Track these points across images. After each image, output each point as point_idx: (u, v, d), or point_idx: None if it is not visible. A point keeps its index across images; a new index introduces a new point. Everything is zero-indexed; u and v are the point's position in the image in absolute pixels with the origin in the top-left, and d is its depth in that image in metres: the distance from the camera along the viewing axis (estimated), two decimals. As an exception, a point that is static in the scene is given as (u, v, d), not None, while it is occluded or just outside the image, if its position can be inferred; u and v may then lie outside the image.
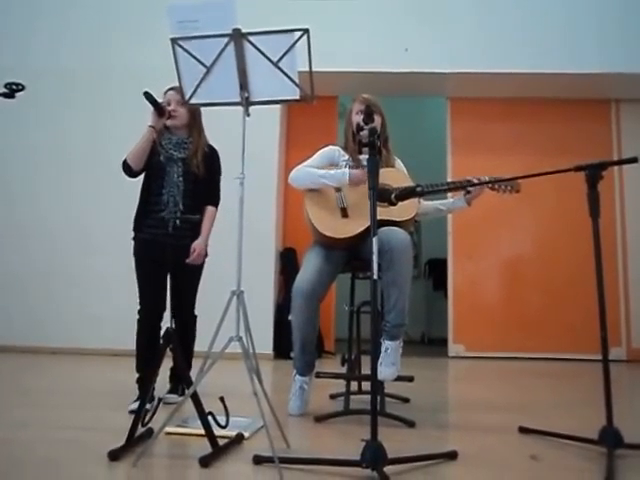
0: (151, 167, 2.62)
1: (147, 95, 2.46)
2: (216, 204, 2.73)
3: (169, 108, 2.60)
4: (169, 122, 2.63)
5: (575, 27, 4.65)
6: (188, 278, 2.65)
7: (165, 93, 2.67)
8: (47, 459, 1.82)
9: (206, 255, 2.68)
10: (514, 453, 1.99)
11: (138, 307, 2.59)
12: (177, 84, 2.38)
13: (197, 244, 2.61)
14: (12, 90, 1.96)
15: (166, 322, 2.42)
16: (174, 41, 1.94)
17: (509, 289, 5.10)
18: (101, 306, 4.49)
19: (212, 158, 2.72)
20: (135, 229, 2.64)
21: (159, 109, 2.53)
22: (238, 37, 1.89)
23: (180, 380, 2.60)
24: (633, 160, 1.94)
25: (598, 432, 1.86)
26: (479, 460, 1.89)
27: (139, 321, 2.58)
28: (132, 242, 2.64)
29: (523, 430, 2.20)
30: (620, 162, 2.03)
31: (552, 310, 4.95)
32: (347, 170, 2.47)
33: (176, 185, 2.58)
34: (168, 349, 1.91)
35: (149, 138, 2.56)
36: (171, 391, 2.67)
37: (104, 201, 4.58)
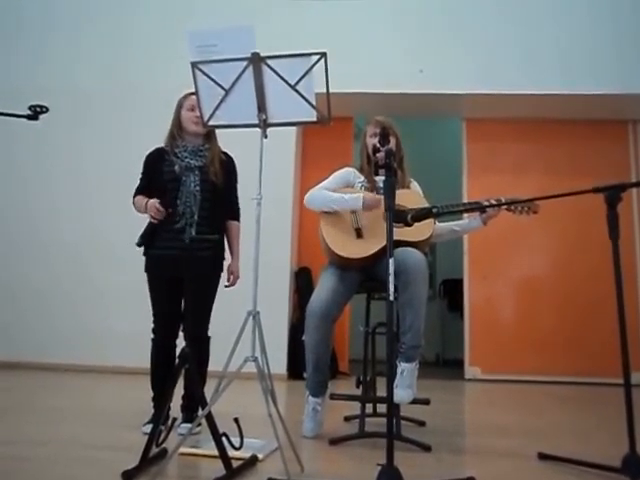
0: (163, 180, 2.48)
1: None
2: (238, 217, 2.65)
3: (194, 114, 2.44)
4: (193, 128, 2.52)
5: (592, 48, 4.65)
6: (203, 293, 2.50)
7: (185, 97, 2.56)
8: (62, 478, 1.82)
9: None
10: (533, 480, 1.94)
11: (152, 326, 2.54)
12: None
13: (234, 267, 2.58)
14: (36, 112, 2.00)
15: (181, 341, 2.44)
16: (194, 65, 1.98)
17: (526, 310, 5.03)
18: (122, 322, 4.49)
19: (230, 166, 2.62)
20: (146, 244, 2.51)
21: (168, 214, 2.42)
22: (257, 61, 1.93)
23: (193, 409, 2.50)
24: (653, 182, 1.93)
25: (621, 460, 1.81)
26: (497, 487, 1.85)
27: (153, 340, 2.53)
28: (143, 258, 2.54)
29: (542, 456, 2.15)
30: None
31: (571, 333, 4.86)
32: (361, 195, 2.45)
33: (193, 194, 2.45)
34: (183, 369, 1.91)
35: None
36: (184, 421, 2.48)
37: (125, 216, 4.59)
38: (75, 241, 4.76)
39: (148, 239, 2.51)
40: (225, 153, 2.64)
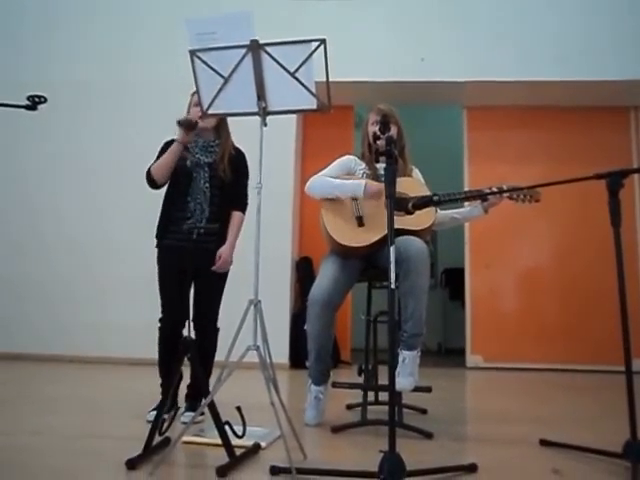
0: (176, 173, 2.53)
1: (179, 122, 2.43)
2: (243, 209, 2.63)
3: (196, 110, 2.43)
4: (199, 124, 2.52)
5: (593, 34, 4.62)
6: (210, 285, 2.53)
7: (193, 93, 2.52)
8: (64, 468, 1.83)
9: (231, 262, 2.57)
10: (535, 467, 1.95)
11: (160, 315, 2.54)
12: None
13: (223, 251, 2.52)
14: (34, 102, 1.99)
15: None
16: (192, 53, 1.97)
17: (528, 299, 5.03)
18: (123, 314, 4.52)
19: (239, 161, 2.62)
20: (158, 237, 2.57)
21: (187, 124, 2.43)
22: (255, 48, 1.91)
23: (196, 398, 2.51)
24: (655, 168, 1.92)
25: (622, 446, 1.82)
26: (499, 474, 1.86)
27: (160, 329, 2.53)
28: (156, 250, 2.57)
29: (544, 443, 2.15)
30: (642, 170, 1.99)
31: (573, 320, 4.87)
32: (364, 182, 2.43)
33: (202, 191, 2.51)
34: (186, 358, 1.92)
35: (177, 154, 2.49)
36: (188, 410, 2.51)
37: (126, 210, 4.64)
38: (75, 234, 4.75)
39: (160, 231, 2.56)
40: (237, 148, 2.66)
